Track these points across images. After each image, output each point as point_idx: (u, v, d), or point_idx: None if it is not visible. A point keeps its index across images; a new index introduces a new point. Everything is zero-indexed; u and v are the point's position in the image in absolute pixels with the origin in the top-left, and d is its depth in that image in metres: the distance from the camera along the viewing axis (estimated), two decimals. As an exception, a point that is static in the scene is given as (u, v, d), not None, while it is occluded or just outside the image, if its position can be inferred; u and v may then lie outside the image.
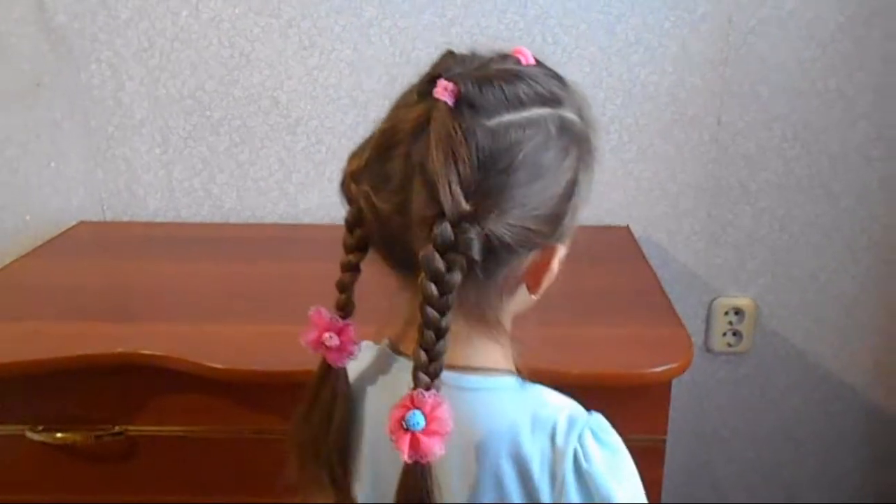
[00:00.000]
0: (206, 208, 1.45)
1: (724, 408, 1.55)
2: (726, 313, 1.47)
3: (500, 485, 0.60)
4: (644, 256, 1.28)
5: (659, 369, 0.94)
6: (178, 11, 1.35)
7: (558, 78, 0.59)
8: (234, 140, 1.41)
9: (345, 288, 0.64)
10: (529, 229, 0.56)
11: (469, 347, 0.62)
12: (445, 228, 0.53)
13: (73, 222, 1.44)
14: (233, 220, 1.45)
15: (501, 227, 0.54)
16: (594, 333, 1.01)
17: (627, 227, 1.41)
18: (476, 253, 0.54)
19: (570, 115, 0.58)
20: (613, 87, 1.36)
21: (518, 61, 0.58)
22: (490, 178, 0.54)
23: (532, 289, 0.62)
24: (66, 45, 1.37)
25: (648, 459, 1.01)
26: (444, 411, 0.55)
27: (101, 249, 1.36)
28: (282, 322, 1.04)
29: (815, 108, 1.36)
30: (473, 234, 0.54)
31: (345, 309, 0.65)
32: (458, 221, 0.53)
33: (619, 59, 1.34)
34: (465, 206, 0.53)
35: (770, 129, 1.38)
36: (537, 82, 0.56)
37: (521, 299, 0.63)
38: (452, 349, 0.58)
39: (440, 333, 0.56)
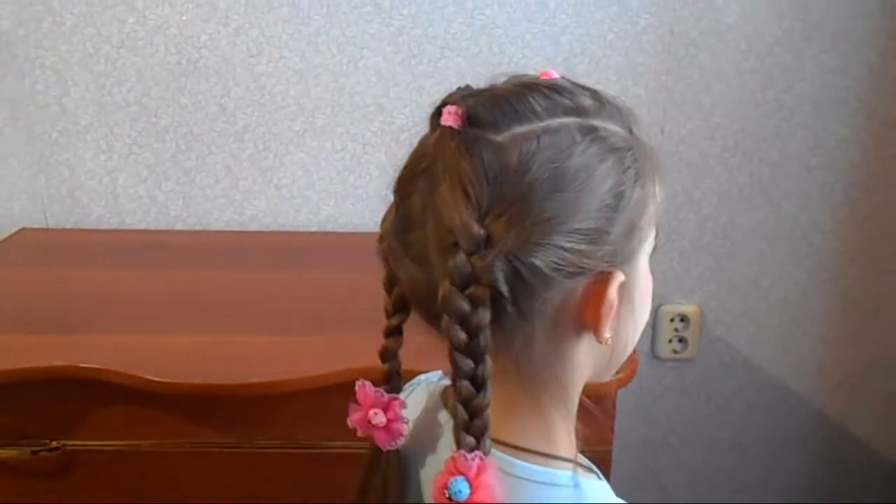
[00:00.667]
0: (152, 215, 1.43)
1: (671, 414, 1.56)
2: (672, 320, 1.49)
3: None
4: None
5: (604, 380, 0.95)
6: (125, 18, 1.34)
7: (591, 92, 0.53)
8: (181, 147, 1.40)
9: (388, 357, 0.57)
10: (563, 248, 0.48)
11: (524, 420, 0.54)
12: (461, 259, 0.47)
13: (15, 229, 1.41)
14: (178, 227, 1.44)
15: (526, 248, 0.47)
16: None
17: (574, 235, 1.42)
18: (501, 282, 0.47)
19: (603, 124, 0.51)
20: (559, 97, 1.37)
21: (536, 78, 0.53)
22: (504, 195, 0.47)
23: (595, 330, 0.51)
24: (10, 51, 1.35)
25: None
26: (492, 476, 0.47)
27: (42, 257, 1.34)
28: (225, 332, 1.04)
29: (755, 117, 1.39)
30: (492, 260, 0.46)
31: (389, 381, 0.57)
32: (474, 249, 0.47)
33: (565, 69, 1.36)
34: (478, 230, 0.46)
35: (712, 139, 1.40)
36: (557, 93, 0.50)
37: (590, 350, 0.54)
38: (503, 420, 0.51)
39: (478, 384, 0.48)
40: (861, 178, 1.43)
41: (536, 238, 0.47)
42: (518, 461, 0.53)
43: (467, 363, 0.48)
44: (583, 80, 1.43)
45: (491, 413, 0.49)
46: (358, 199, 1.42)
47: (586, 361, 0.54)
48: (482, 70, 1.36)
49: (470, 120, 0.49)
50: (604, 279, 0.50)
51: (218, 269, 1.26)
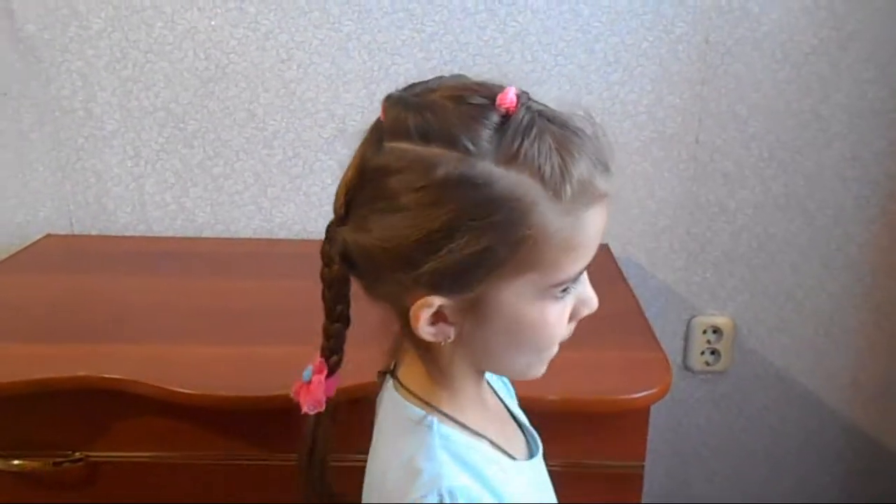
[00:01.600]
0: (179, 222, 1.42)
1: (702, 426, 1.55)
2: (704, 332, 1.47)
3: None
4: (623, 277, 1.27)
5: (637, 395, 0.93)
6: (152, 23, 1.32)
7: (507, 130, 0.53)
8: (209, 153, 1.38)
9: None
10: (374, 257, 0.56)
11: (409, 366, 0.65)
12: (330, 222, 0.60)
13: (40, 235, 1.40)
14: (206, 234, 1.42)
15: (353, 241, 0.57)
16: (570, 357, 0.97)
17: (606, 246, 1.40)
18: (334, 252, 0.59)
19: (481, 166, 0.52)
20: (593, 105, 1.34)
21: (460, 97, 0.54)
22: (362, 194, 0.57)
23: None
24: (35, 55, 1.34)
25: (627, 486, 1.00)
26: (320, 382, 0.64)
27: (67, 264, 1.32)
28: (252, 343, 1.02)
29: (790, 128, 1.37)
30: (336, 236, 0.59)
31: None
32: (336, 221, 0.59)
33: (598, 77, 1.34)
34: (339, 207, 0.58)
35: (747, 149, 1.38)
36: (451, 125, 0.53)
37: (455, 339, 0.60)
38: (401, 364, 0.65)
39: (332, 317, 0.63)
40: (897, 190, 1.40)
41: (361, 239, 0.57)
42: (393, 391, 0.65)
43: (328, 300, 0.62)
44: (616, 89, 1.42)
45: (399, 356, 0.66)
46: (387, 208, 1.40)
47: (449, 345, 0.60)
48: (514, 78, 1.33)
49: (386, 118, 0.56)
50: (415, 296, 0.57)
51: (245, 278, 1.25)
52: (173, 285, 1.22)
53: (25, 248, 1.36)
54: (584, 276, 0.61)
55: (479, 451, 0.62)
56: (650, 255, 1.44)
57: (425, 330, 0.58)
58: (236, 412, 0.95)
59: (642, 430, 0.98)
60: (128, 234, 1.42)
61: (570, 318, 0.62)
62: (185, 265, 1.30)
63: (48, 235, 1.41)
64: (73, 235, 1.42)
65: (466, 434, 0.62)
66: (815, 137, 1.37)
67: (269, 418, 0.96)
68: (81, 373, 0.93)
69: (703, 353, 1.48)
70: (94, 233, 1.42)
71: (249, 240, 1.42)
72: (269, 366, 0.97)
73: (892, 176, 1.39)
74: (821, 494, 1.59)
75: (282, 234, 1.42)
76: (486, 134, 0.53)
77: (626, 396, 0.93)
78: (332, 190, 1.45)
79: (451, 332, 0.59)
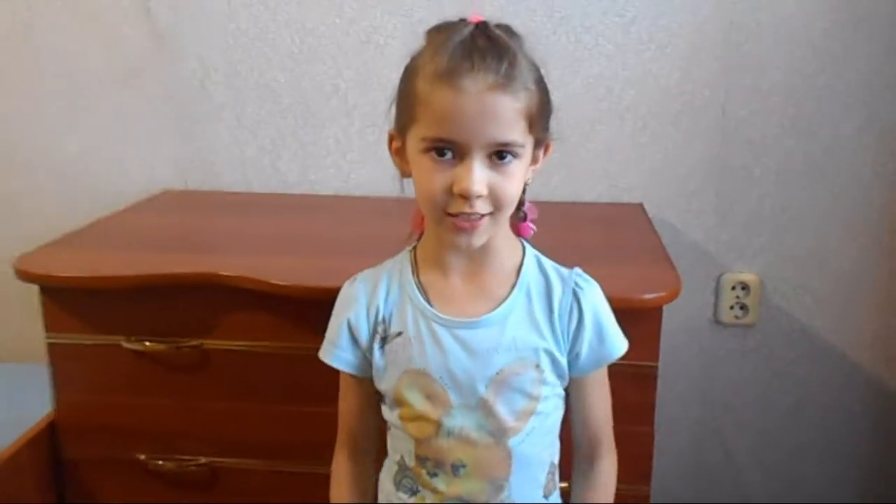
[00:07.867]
0: (274, 182, 1.66)
1: (732, 379, 1.66)
2: (733, 288, 1.60)
3: None
4: (652, 226, 1.42)
5: (649, 296, 1.08)
6: (258, 14, 1.59)
7: (440, 38, 0.82)
8: (299, 123, 1.63)
9: None
10: None
11: None
12: None
13: (159, 191, 1.66)
14: (295, 192, 1.66)
15: None
16: (596, 272, 1.04)
17: (641, 205, 1.57)
18: None
19: (421, 52, 0.83)
20: (629, 80, 1.54)
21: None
22: None
23: None
24: (165, 42, 1.62)
25: (642, 383, 1.14)
26: None
27: (182, 210, 1.58)
28: (332, 258, 1.24)
29: (807, 101, 1.51)
30: None
31: None
32: None
33: (634, 55, 1.53)
34: None
35: (769, 120, 1.53)
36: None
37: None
38: None
39: None
40: (912, 156, 1.51)
41: None
42: None
43: None
44: (650, 66, 1.61)
45: None
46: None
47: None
48: (560, 55, 1.54)
49: None
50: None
51: (326, 221, 1.48)
52: (267, 224, 1.45)
53: (147, 199, 1.61)
54: (469, 166, 0.77)
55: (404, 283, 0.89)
56: (682, 215, 1.59)
57: (393, 159, 0.87)
58: (319, 302, 1.11)
59: (655, 332, 1.11)
60: (232, 190, 1.67)
61: (451, 191, 0.78)
62: (278, 213, 1.53)
63: (165, 191, 1.67)
64: (187, 191, 1.68)
65: (408, 269, 0.90)
66: (831, 110, 1.51)
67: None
68: (201, 270, 1.17)
69: (732, 307, 1.60)
70: (204, 189, 1.68)
71: (331, 196, 1.64)
72: (345, 271, 1.19)
73: (906, 144, 1.51)
74: (843, 444, 1.66)
75: (358, 193, 1.64)
76: (437, 39, 0.82)
77: (639, 297, 1.08)
78: (402, 154, 1.65)
79: (403, 168, 0.85)
